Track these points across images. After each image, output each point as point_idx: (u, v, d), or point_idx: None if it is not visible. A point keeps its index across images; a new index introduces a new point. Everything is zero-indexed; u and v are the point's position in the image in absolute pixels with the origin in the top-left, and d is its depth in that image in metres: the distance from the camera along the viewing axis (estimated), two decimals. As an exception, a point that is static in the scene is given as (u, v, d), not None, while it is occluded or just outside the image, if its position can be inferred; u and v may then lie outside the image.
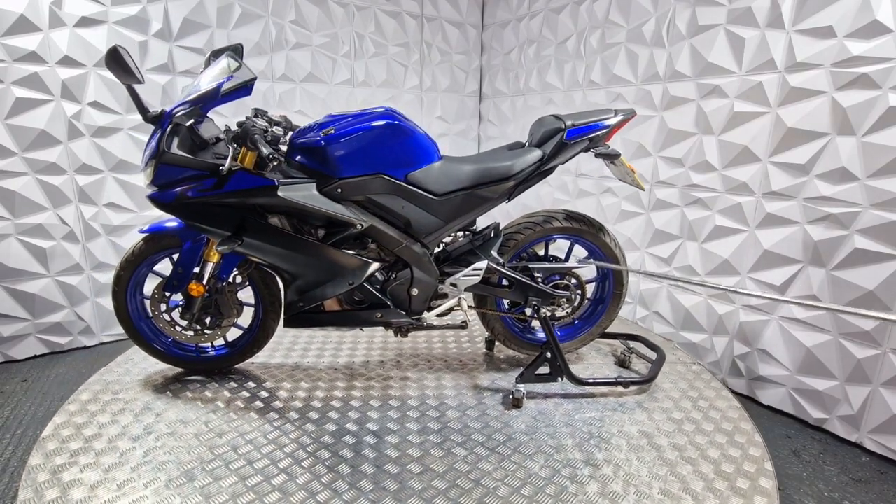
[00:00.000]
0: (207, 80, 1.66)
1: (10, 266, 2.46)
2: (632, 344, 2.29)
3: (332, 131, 1.70)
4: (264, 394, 1.97)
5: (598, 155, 1.86)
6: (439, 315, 1.96)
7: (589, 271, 2.09)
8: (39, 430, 2.00)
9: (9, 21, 2.27)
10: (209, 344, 2.08)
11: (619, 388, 2.01)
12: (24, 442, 1.94)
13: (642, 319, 2.82)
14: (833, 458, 1.95)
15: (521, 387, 1.90)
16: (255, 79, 1.64)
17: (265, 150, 1.52)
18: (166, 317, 1.96)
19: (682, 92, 2.46)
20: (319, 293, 1.83)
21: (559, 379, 1.94)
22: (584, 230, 1.98)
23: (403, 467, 1.55)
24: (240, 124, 1.64)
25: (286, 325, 1.90)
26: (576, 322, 2.21)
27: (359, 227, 1.76)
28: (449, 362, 2.23)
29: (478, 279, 1.89)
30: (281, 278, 1.88)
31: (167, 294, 1.93)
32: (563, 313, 2.06)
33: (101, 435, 1.68)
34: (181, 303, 1.91)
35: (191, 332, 1.96)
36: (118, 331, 2.81)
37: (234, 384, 2.03)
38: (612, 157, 1.84)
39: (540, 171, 1.87)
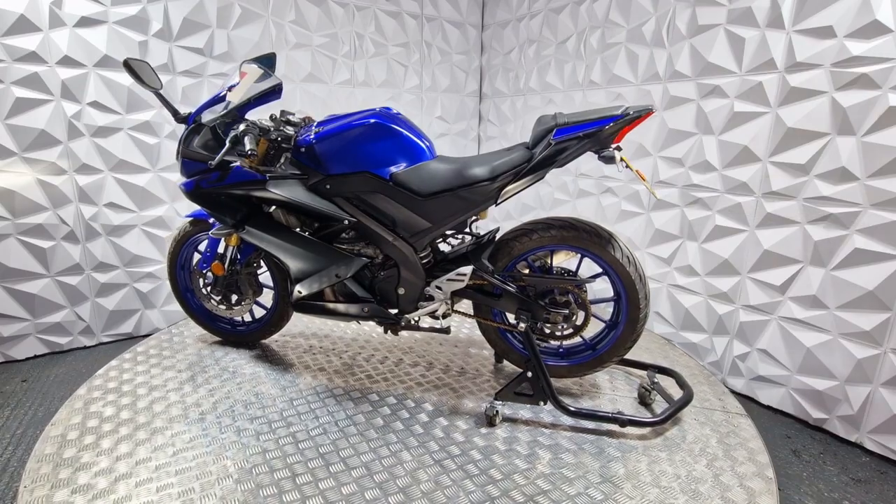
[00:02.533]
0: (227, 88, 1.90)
1: (10, 266, 2.46)
2: (658, 378, 1.98)
3: (321, 130, 1.80)
4: (268, 369, 2.16)
5: (599, 157, 1.69)
6: (423, 317, 1.91)
7: (601, 290, 2.02)
8: (39, 429, 2.00)
9: (9, 21, 2.27)
10: (239, 318, 2.36)
11: (627, 427, 1.74)
12: (24, 442, 1.94)
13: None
14: (833, 458, 1.95)
15: (498, 404, 1.79)
16: (279, 85, 1.84)
17: (247, 146, 1.67)
18: (204, 291, 2.25)
19: (682, 92, 2.46)
20: (311, 283, 1.92)
21: (541, 403, 1.80)
22: (587, 241, 1.75)
23: (344, 459, 1.59)
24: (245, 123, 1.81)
25: (294, 309, 2.02)
26: (585, 344, 1.99)
27: (345, 222, 1.84)
28: (449, 368, 2.19)
29: (462, 284, 1.82)
30: (283, 266, 2.00)
31: (203, 271, 2.22)
32: (563, 332, 1.87)
33: (134, 380, 2.07)
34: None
35: (223, 306, 2.24)
36: (118, 331, 2.82)
37: (247, 356, 2.27)
38: (606, 160, 1.65)
39: (528, 174, 1.70)
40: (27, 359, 2.60)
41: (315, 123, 1.87)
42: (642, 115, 1.60)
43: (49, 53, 2.38)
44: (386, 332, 1.98)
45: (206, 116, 1.85)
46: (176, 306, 2.95)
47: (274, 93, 1.84)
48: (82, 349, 2.72)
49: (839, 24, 1.89)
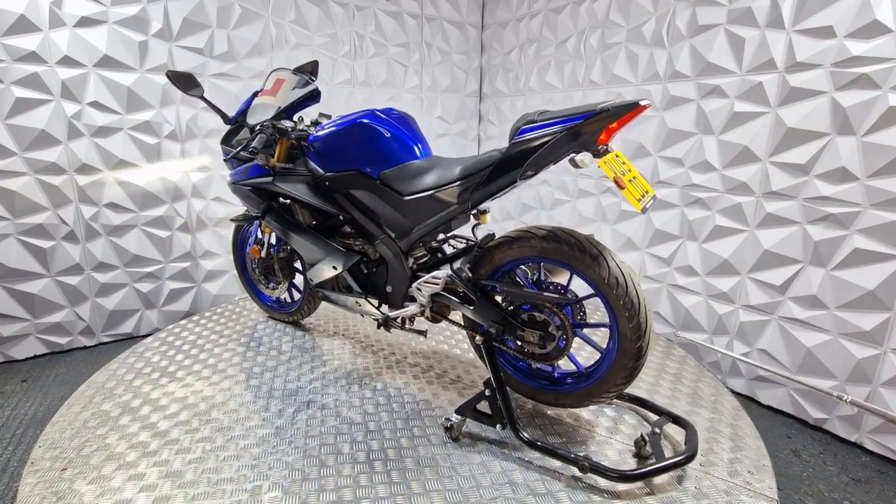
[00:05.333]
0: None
1: (10, 266, 2.46)
2: (663, 429, 1.65)
3: (321, 130, 1.89)
4: (286, 345, 2.34)
5: (569, 160, 1.43)
6: (401, 317, 1.88)
7: (594, 312, 1.92)
8: (39, 429, 2.00)
9: (9, 21, 2.27)
10: (281, 298, 2.58)
11: (590, 475, 1.48)
12: (24, 442, 1.94)
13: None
14: (833, 458, 1.95)
15: (455, 418, 1.66)
16: (316, 90, 2.01)
17: (252, 144, 1.84)
18: (253, 271, 2.50)
19: (682, 92, 2.46)
20: (315, 272, 2.04)
21: (498, 426, 1.64)
22: (570, 255, 1.50)
23: (291, 439, 1.65)
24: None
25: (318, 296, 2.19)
26: (579, 372, 1.73)
27: (341, 217, 1.94)
28: (445, 374, 2.12)
29: (437, 288, 1.71)
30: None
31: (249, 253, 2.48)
32: (541, 352, 1.65)
33: (188, 337, 2.37)
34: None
35: (269, 286, 2.45)
36: (118, 331, 2.82)
37: (280, 332, 2.47)
38: (573, 164, 1.43)
39: (494, 176, 1.53)
40: (27, 359, 2.60)
41: (324, 124, 1.95)
42: (628, 110, 1.33)
43: (49, 53, 2.38)
44: (379, 327, 2.00)
45: (250, 118, 2.04)
46: (176, 306, 2.96)
47: (312, 98, 2.02)
48: (82, 349, 2.72)
49: (839, 24, 1.89)
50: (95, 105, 2.53)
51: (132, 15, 2.54)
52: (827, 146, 1.97)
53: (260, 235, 2.43)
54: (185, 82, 2.01)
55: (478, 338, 1.69)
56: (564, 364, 1.81)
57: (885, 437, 1.92)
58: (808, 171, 2.03)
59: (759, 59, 2.14)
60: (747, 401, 2.32)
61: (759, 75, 2.15)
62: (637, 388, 1.94)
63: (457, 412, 1.69)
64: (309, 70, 2.14)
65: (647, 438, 1.59)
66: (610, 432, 1.73)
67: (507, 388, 1.78)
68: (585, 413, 1.83)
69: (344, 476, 1.49)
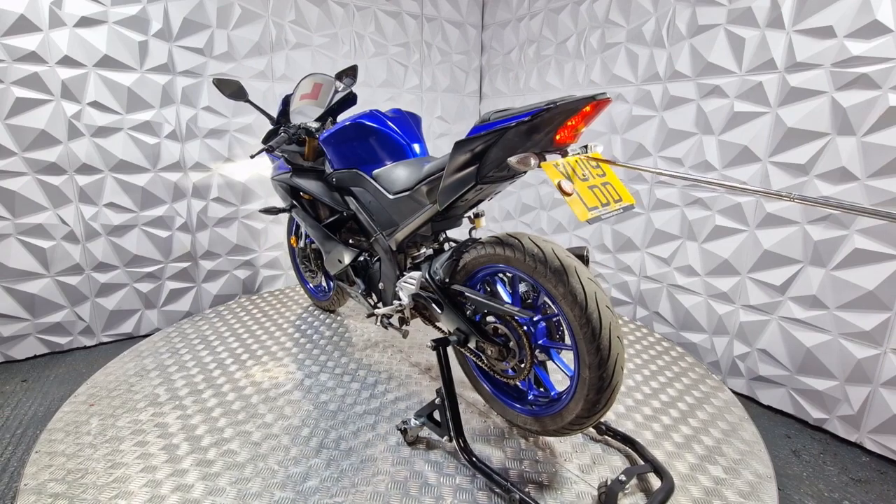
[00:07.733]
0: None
1: (10, 266, 2.46)
2: (634, 478, 1.47)
3: (329, 130, 1.95)
4: (304, 331, 2.51)
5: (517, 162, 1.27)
6: (384, 314, 1.87)
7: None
8: (39, 429, 2.00)
9: (9, 21, 2.27)
10: (321, 285, 2.71)
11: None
12: (24, 442, 1.94)
13: (642, 319, 2.82)
14: (833, 458, 1.95)
15: (412, 422, 1.60)
16: (352, 93, 2.12)
17: (271, 143, 1.97)
18: (297, 260, 2.70)
19: (682, 92, 2.46)
20: (328, 264, 2.14)
21: (445, 438, 1.54)
22: (531, 268, 1.33)
23: (265, 413, 1.77)
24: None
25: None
26: (551, 396, 1.56)
27: (344, 213, 2.03)
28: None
29: (413, 288, 1.67)
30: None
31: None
32: (504, 368, 1.54)
33: (239, 313, 2.69)
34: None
35: (307, 273, 2.61)
36: (118, 331, 2.82)
37: (312, 318, 2.66)
38: (510, 168, 1.32)
39: (454, 176, 1.42)
40: (27, 359, 2.60)
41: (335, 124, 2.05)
42: (582, 105, 1.16)
43: (49, 53, 2.38)
44: (376, 323, 2.02)
45: (292, 120, 2.14)
46: (176, 306, 2.96)
47: (349, 101, 2.13)
48: (82, 349, 2.72)
49: (839, 24, 1.89)
50: (95, 105, 2.53)
51: (132, 15, 2.54)
52: (827, 146, 1.97)
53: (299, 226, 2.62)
54: (231, 89, 2.07)
55: (429, 342, 1.58)
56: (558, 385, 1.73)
57: (885, 437, 1.92)
58: (808, 171, 2.03)
59: (759, 59, 2.14)
60: (747, 401, 2.32)
61: (759, 75, 2.15)
62: (645, 427, 1.76)
63: (415, 416, 1.63)
64: (349, 74, 2.22)
65: (606, 485, 1.41)
66: (582, 471, 1.54)
67: (495, 407, 1.70)
68: (566, 445, 1.65)
69: (290, 457, 1.53)
